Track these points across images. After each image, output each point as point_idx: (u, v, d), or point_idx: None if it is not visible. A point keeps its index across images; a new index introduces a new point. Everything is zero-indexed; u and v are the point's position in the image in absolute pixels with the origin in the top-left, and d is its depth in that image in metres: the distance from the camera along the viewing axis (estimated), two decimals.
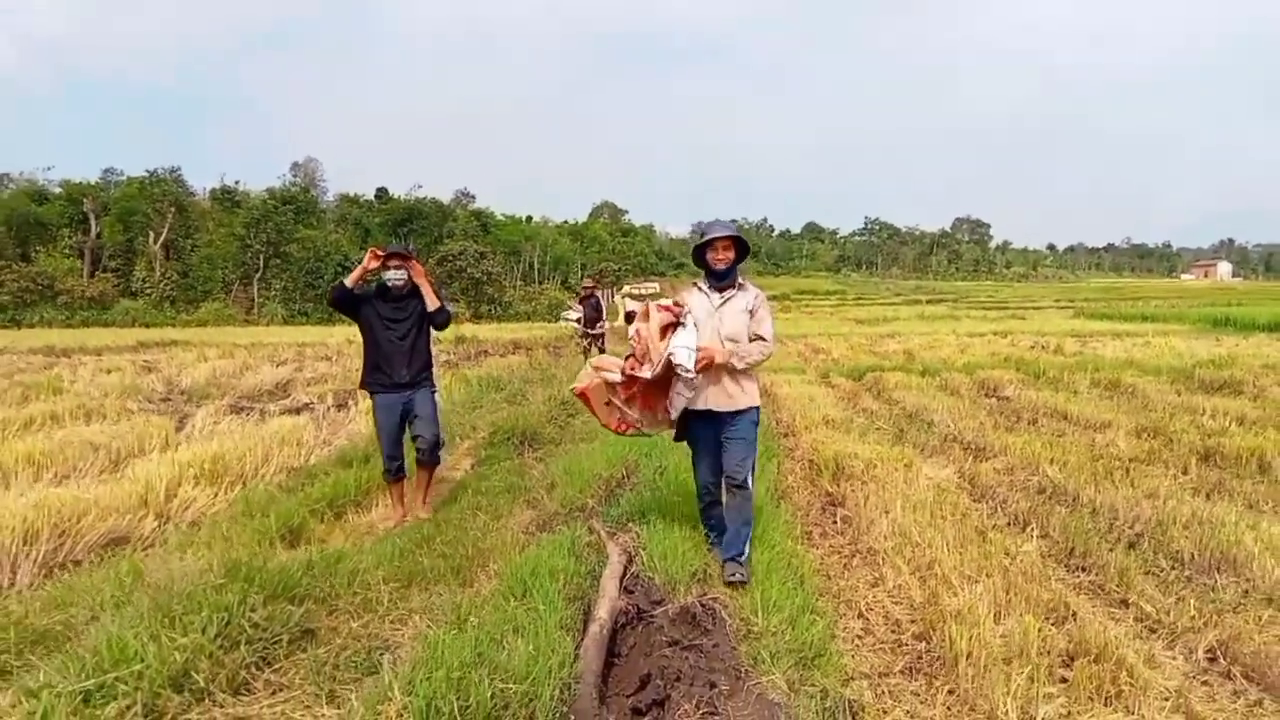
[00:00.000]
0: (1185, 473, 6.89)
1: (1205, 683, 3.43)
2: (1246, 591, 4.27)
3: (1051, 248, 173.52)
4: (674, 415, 4.32)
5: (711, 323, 4.33)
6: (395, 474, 5.75)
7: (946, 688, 3.35)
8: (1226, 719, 3.10)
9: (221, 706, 2.76)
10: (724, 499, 4.52)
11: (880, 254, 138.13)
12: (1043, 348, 20.20)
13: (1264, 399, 11.02)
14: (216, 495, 6.05)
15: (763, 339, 4.36)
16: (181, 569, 3.69)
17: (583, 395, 4.43)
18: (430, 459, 5.84)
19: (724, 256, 4.38)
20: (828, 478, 6.90)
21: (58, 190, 61.94)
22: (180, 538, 4.89)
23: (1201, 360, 15.34)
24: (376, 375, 5.72)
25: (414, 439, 5.80)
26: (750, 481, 4.39)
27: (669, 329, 4.18)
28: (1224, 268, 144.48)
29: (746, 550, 4.36)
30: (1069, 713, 3.04)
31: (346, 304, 5.71)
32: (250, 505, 5.45)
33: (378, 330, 5.72)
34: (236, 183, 69.69)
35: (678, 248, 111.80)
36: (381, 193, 79.21)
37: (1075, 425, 9.36)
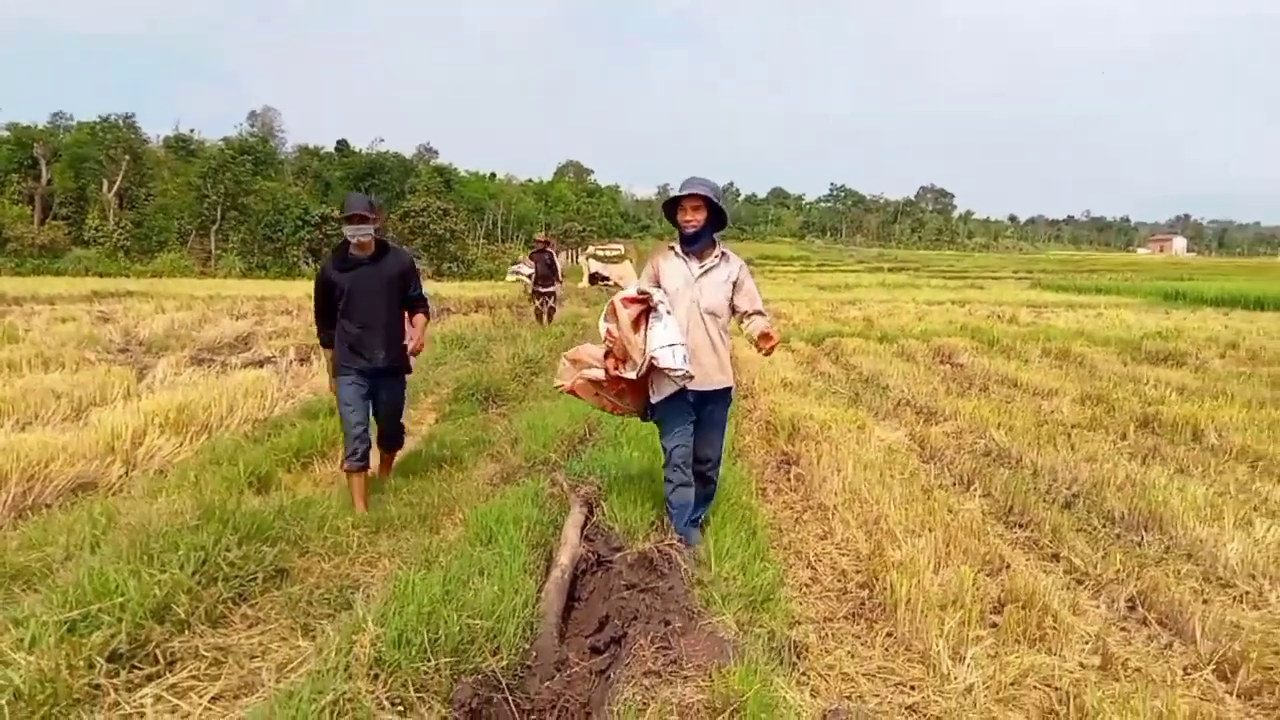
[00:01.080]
0: (1124, 438, 7.23)
1: (1124, 629, 3.71)
2: (1169, 548, 4.57)
3: (1013, 219, 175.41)
4: (658, 399, 3.98)
5: (690, 293, 4.01)
6: (359, 460, 4.88)
7: (885, 630, 3.59)
8: (1140, 660, 3.36)
9: (201, 637, 2.91)
10: (694, 476, 4.20)
11: (845, 221, 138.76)
12: (999, 317, 20.66)
13: (1204, 370, 11.49)
14: (182, 444, 6.12)
15: (760, 313, 4.12)
16: (156, 510, 3.80)
17: (571, 392, 4.22)
18: (390, 447, 5.44)
19: (693, 219, 3.99)
20: (784, 438, 7.13)
21: (5, 134, 59.90)
22: (148, 484, 4.97)
23: (1149, 332, 15.85)
24: (353, 360, 4.92)
25: (378, 421, 5.19)
26: (720, 462, 4.30)
27: (641, 319, 3.84)
28: (1179, 243, 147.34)
29: (704, 512, 4.33)
30: (996, 653, 3.28)
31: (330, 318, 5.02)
32: (217, 454, 5.53)
33: (345, 305, 4.90)
34: (192, 131, 68.06)
35: (643, 209, 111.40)
36: (342, 145, 77.78)
37: (1024, 392, 9.69)
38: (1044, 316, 20.95)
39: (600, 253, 38.07)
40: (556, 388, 4.31)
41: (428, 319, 5.30)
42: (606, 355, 3.96)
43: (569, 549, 4.00)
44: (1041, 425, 7.53)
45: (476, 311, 20.37)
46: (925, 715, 2.93)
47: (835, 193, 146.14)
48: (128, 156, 55.80)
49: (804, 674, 3.23)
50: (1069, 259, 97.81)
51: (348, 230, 4.84)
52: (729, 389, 4.20)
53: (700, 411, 4.09)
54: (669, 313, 3.84)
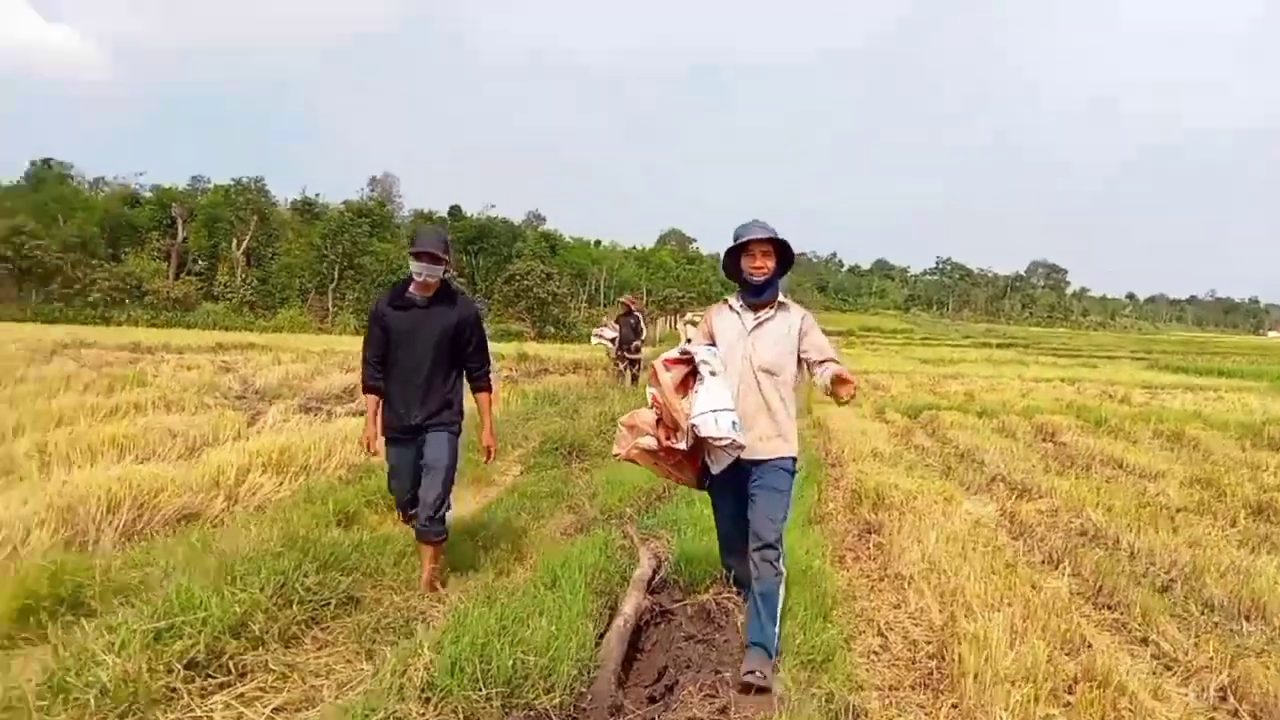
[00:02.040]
0: (1233, 525, 6.82)
1: (1212, 718, 3.49)
2: (1271, 639, 4.29)
3: (1131, 297, 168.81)
4: (717, 470, 3.57)
5: (742, 347, 3.61)
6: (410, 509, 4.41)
7: (951, 702, 3.49)
8: None
9: (273, 654, 3.08)
10: (750, 566, 3.59)
11: (951, 295, 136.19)
12: (1109, 396, 19.79)
13: None
14: (282, 484, 6.44)
15: (834, 360, 3.65)
16: (246, 538, 4.04)
17: (630, 460, 3.77)
18: (430, 530, 4.25)
19: (763, 265, 3.59)
20: (867, 506, 7.01)
21: (148, 195, 65.07)
22: (246, 517, 5.26)
23: (1273, 418, 14.89)
24: (388, 414, 4.38)
25: (419, 494, 4.34)
26: (781, 545, 3.60)
27: (688, 381, 3.53)
28: None
29: (775, 645, 3.48)
30: None
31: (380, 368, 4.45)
32: (311, 493, 5.81)
33: (391, 352, 4.35)
34: (317, 195, 72.22)
35: None
36: (455, 210, 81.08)
37: (1129, 473, 9.26)
38: (1158, 398, 19.96)
39: (697, 319, 38.34)
40: (615, 456, 3.84)
41: (492, 397, 4.57)
42: (658, 423, 3.56)
43: (633, 599, 4.04)
44: (1144, 507, 7.17)
45: (574, 372, 20.77)
46: None
47: (941, 265, 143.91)
48: (255, 217, 59.65)
49: None
50: (1191, 340, 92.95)
51: (414, 267, 4.25)
52: (789, 459, 3.65)
53: (752, 483, 3.59)
54: (713, 374, 3.46)
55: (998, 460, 9.55)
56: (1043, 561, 5.72)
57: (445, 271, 4.38)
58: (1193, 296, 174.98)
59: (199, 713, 2.68)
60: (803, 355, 3.68)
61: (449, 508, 4.45)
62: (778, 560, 3.52)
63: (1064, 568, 5.48)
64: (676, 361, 3.57)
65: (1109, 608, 4.81)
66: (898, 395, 18.42)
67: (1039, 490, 7.94)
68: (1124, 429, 13.08)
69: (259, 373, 16.39)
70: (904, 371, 28.24)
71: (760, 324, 3.65)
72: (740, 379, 3.59)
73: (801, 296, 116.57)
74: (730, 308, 3.75)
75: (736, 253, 3.64)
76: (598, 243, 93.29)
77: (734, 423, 3.35)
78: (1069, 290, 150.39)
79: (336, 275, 56.17)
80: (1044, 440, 12.14)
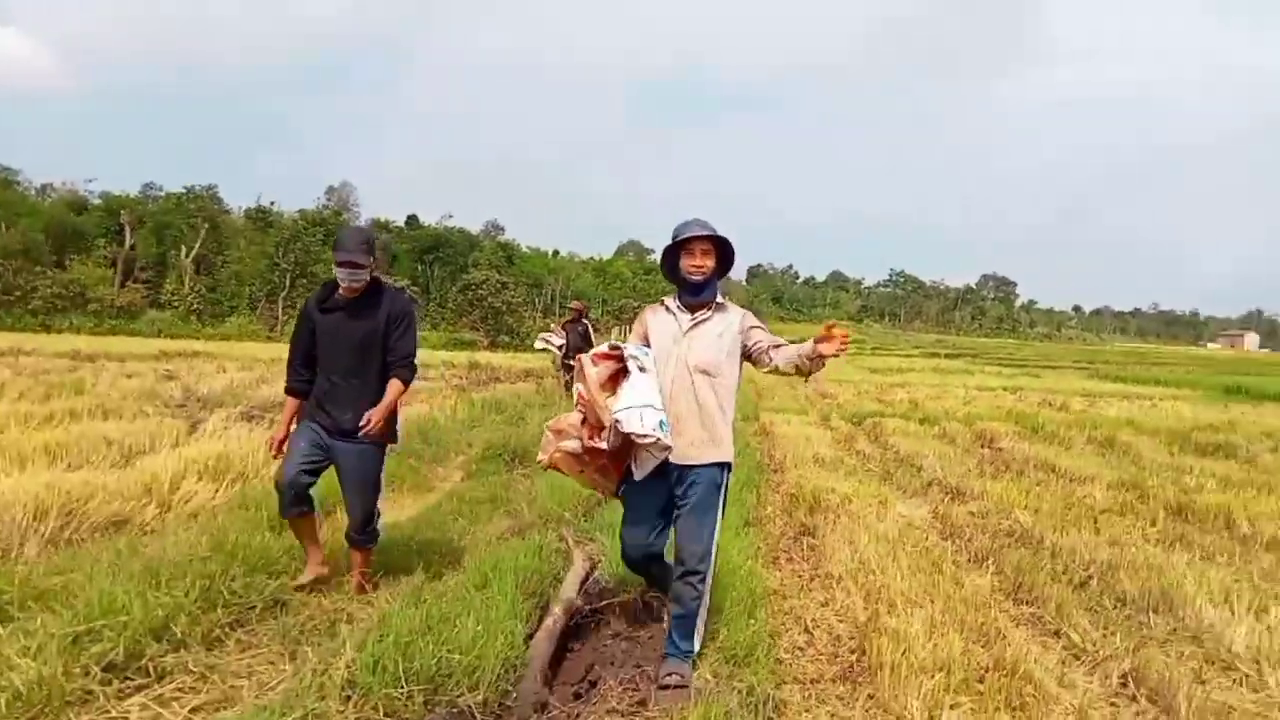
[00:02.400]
0: (1153, 524, 7.08)
1: (1113, 704, 3.65)
2: (1175, 629, 4.48)
3: (1077, 309, 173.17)
4: (640, 475, 3.40)
5: (677, 351, 3.46)
6: (292, 507, 4.09)
7: (868, 693, 3.60)
8: None
9: (195, 656, 3.08)
10: (670, 586, 3.47)
11: (904, 306, 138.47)
12: (1049, 404, 20.29)
13: (1253, 464, 11.14)
14: (218, 491, 6.37)
15: (779, 344, 3.57)
16: (174, 544, 4.02)
17: (553, 467, 3.62)
18: (361, 537, 4.23)
19: (702, 264, 3.47)
20: (804, 510, 7.14)
21: (97, 201, 63.72)
22: (177, 524, 5.22)
23: (1201, 424, 15.43)
24: (316, 414, 4.21)
25: (345, 499, 4.29)
26: (708, 563, 3.45)
27: (617, 378, 3.36)
28: (1251, 339, 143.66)
29: (696, 645, 3.47)
30: (975, 717, 3.27)
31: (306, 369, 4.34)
32: (247, 499, 5.76)
33: (319, 355, 4.24)
34: (272, 204, 71.31)
35: None
36: (412, 220, 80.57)
37: (1061, 477, 9.52)
38: (1096, 406, 20.51)
39: None
40: (539, 462, 3.64)
41: (405, 385, 4.27)
42: (583, 423, 3.40)
43: (564, 601, 4.10)
44: (1069, 509, 7.42)
45: (525, 380, 20.78)
46: None
47: (895, 278, 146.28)
48: (206, 225, 58.65)
49: None
50: (1133, 351, 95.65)
51: (338, 274, 4.13)
52: (722, 466, 3.48)
53: (681, 499, 3.44)
54: (641, 370, 3.32)
55: (935, 465, 9.77)
56: (969, 560, 5.89)
57: (371, 272, 4.23)
58: (1136, 309, 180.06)
59: (115, 714, 2.68)
60: (753, 349, 3.54)
61: (379, 515, 4.33)
62: (700, 583, 3.41)
63: (988, 566, 5.65)
64: (605, 357, 3.41)
65: (1027, 603, 4.97)
66: (844, 403, 18.71)
67: (972, 493, 8.16)
68: (1059, 435, 13.45)
69: (202, 380, 16.12)
70: (852, 380, 28.62)
71: (697, 324, 3.50)
72: (674, 380, 3.46)
73: (758, 307, 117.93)
74: (666, 308, 3.61)
75: (676, 251, 3.52)
76: (556, 253, 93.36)
77: (661, 422, 3.21)
78: (1018, 303, 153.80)
79: (289, 283, 55.40)
80: (982, 446, 12.43)
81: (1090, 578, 5.44)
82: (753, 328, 3.56)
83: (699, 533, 3.41)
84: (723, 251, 3.55)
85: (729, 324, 3.52)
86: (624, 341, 3.61)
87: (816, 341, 3.33)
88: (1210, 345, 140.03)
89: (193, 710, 2.75)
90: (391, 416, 4.21)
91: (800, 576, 5.48)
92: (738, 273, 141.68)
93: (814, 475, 8.50)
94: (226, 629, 3.35)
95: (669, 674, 3.25)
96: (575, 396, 3.47)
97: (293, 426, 4.28)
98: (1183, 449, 12.50)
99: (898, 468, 9.93)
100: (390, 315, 4.23)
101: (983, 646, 4.03)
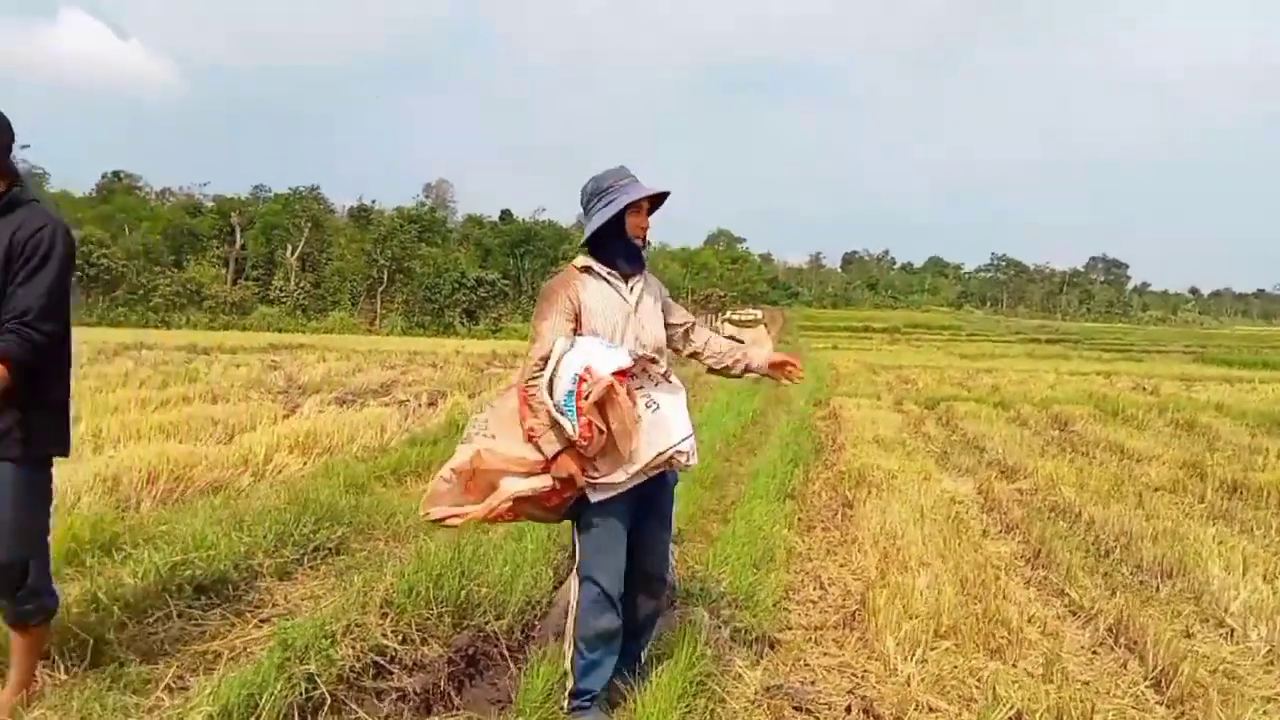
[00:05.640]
0: (1201, 500, 7.12)
1: (1095, 652, 3.92)
2: (1180, 590, 4.67)
3: (1194, 292, 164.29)
4: (602, 496, 2.70)
5: (630, 328, 2.84)
6: None
7: (858, 636, 3.96)
8: (1090, 674, 3.60)
9: (268, 584, 3.70)
10: (637, 606, 3.00)
11: (1006, 291, 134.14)
12: (1142, 389, 19.80)
13: None
14: (305, 463, 7.09)
15: (694, 324, 3.17)
16: (258, 499, 4.68)
17: (440, 520, 2.80)
18: (21, 611, 2.59)
19: (647, 224, 2.94)
20: (849, 485, 7.44)
21: (210, 204, 67.90)
22: (265, 488, 5.92)
23: None
24: None
25: None
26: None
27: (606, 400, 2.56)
28: None
29: (645, 652, 3.14)
30: (951, 656, 3.60)
31: None
32: (330, 470, 6.44)
33: None
34: (373, 202, 74.34)
35: (793, 276, 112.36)
36: (505, 214, 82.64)
37: (1126, 457, 9.52)
38: (1191, 389, 19.88)
39: (735, 317, 38.70)
40: (424, 516, 2.81)
41: (10, 362, 2.42)
42: (555, 457, 2.58)
43: None
44: (1118, 486, 7.50)
45: None
46: (860, 696, 3.30)
47: (996, 262, 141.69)
48: (310, 224, 61.65)
49: (770, 662, 3.65)
50: (1252, 334, 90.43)
51: None
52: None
53: (643, 504, 2.87)
54: (667, 376, 2.83)
55: (999, 446, 9.87)
56: (1000, 531, 6.12)
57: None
58: (1260, 290, 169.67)
59: (200, 622, 3.30)
60: (676, 327, 3.10)
61: (35, 574, 2.60)
62: (664, 587, 3.13)
63: (1015, 535, 5.88)
64: (626, 373, 2.64)
65: (1043, 567, 5.20)
66: (923, 388, 18.67)
67: (1024, 471, 8.28)
68: (1138, 418, 13.25)
69: (304, 370, 17.30)
70: (939, 366, 28.33)
71: (639, 295, 2.93)
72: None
73: (851, 295, 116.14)
74: (597, 274, 2.88)
75: (619, 212, 2.84)
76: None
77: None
78: (1129, 286, 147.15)
79: (386, 279, 57.74)
80: (1055, 429, 12.39)
81: (1114, 547, 5.61)
82: (669, 300, 3.11)
83: (667, 542, 3.11)
84: (655, 208, 3.00)
85: (657, 293, 3.03)
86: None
87: (770, 365, 3.08)
88: None
89: (261, 620, 3.36)
90: (48, 414, 2.65)
91: (829, 542, 5.82)
92: (833, 260, 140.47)
93: (869, 454, 8.75)
94: (294, 564, 3.98)
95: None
96: (574, 429, 2.53)
97: None
98: (1268, 431, 12.18)
99: (959, 448, 10.06)
100: (15, 241, 2.53)
101: (977, 600, 4.33)
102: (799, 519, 6.23)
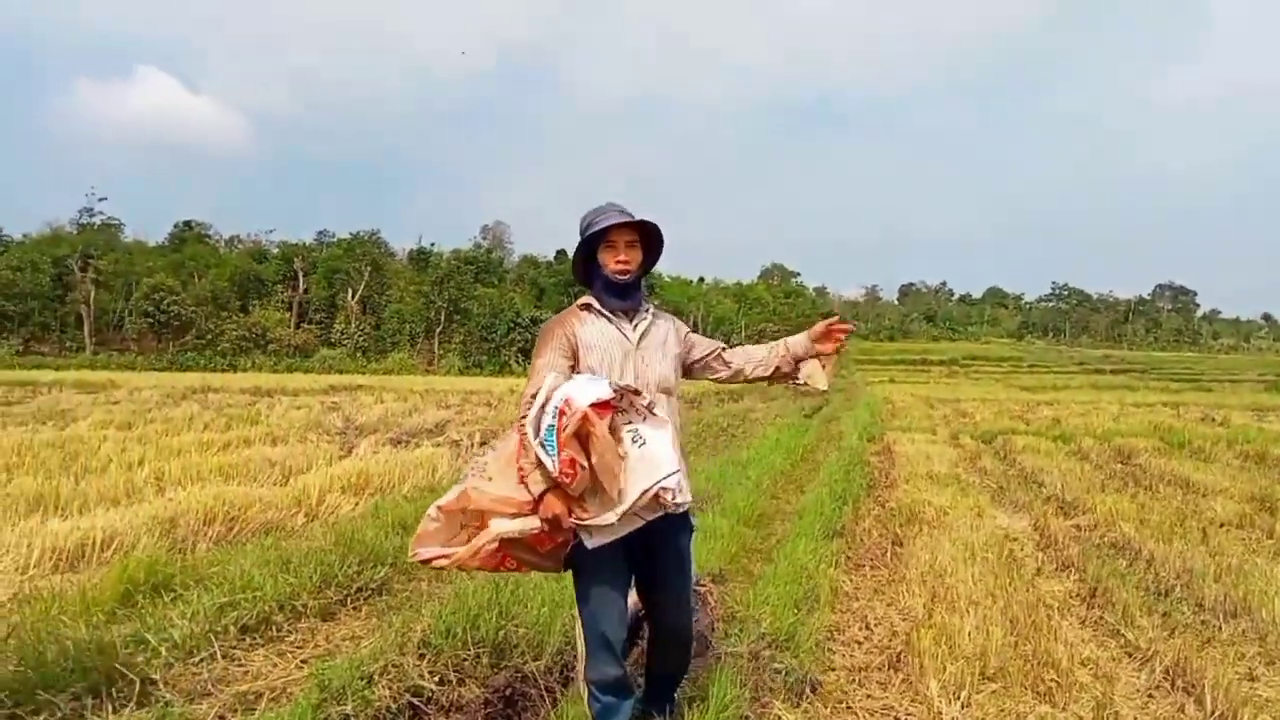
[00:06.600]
0: (1270, 536, 6.85)
1: (1150, 695, 3.77)
2: (1244, 631, 4.48)
3: (1268, 318, 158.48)
4: (597, 543, 2.51)
5: (630, 365, 2.78)
6: None
7: (902, 677, 3.88)
8: (1141, 716, 3.47)
9: (311, 624, 3.78)
10: (664, 658, 2.98)
11: (1068, 321, 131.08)
12: (1211, 419, 19.14)
13: None
14: (357, 504, 7.24)
15: (723, 347, 3.08)
16: (306, 540, 4.79)
17: (429, 562, 2.64)
18: None
19: (627, 259, 2.83)
20: (899, 522, 7.32)
21: (275, 250, 70.19)
22: (316, 528, 6.04)
23: None
24: None
25: None
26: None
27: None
28: None
29: (678, 692, 3.11)
30: (997, 699, 3.51)
31: None
32: (378, 510, 6.56)
33: None
34: (432, 244, 76.09)
35: (848, 309, 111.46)
36: (560, 254, 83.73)
37: (1191, 491, 9.20)
38: (1264, 420, 19.15)
39: None
40: (412, 556, 2.65)
41: None
42: (541, 497, 2.44)
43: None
44: (1181, 521, 7.25)
45: None
46: None
47: (1058, 291, 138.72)
48: (370, 267, 63.29)
49: (810, 704, 3.60)
50: None
51: None
52: (688, 506, 2.73)
53: (651, 554, 2.77)
54: (651, 409, 2.64)
55: (1057, 481, 9.62)
56: (1055, 569, 5.95)
57: None
58: None
59: (243, 661, 3.39)
60: (703, 359, 3.04)
61: None
62: (688, 634, 2.97)
63: (1071, 573, 5.71)
64: (606, 406, 2.49)
65: (1099, 607, 5.03)
66: (980, 421, 18.31)
67: (1083, 507, 8.05)
68: (1204, 450, 12.81)
69: (361, 411, 17.67)
70: (998, 399, 27.80)
71: (643, 334, 2.86)
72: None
73: (909, 327, 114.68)
74: (597, 312, 2.85)
75: (591, 244, 2.85)
76: (701, 280, 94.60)
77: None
78: (1198, 313, 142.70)
79: (443, 320, 58.84)
80: (1118, 462, 12.04)
81: (1175, 585, 5.41)
82: (690, 334, 3.06)
83: (687, 592, 2.93)
84: (649, 243, 2.92)
85: (668, 332, 2.96)
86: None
87: (813, 340, 2.99)
88: None
89: (302, 660, 3.43)
90: None
91: (878, 581, 5.72)
92: (889, 292, 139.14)
93: (922, 490, 8.62)
94: (338, 604, 4.07)
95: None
96: (553, 466, 2.40)
97: None
98: None
99: (1015, 483, 9.82)
100: None
101: (1027, 641, 4.21)
102: (847, 557, 6.13)
